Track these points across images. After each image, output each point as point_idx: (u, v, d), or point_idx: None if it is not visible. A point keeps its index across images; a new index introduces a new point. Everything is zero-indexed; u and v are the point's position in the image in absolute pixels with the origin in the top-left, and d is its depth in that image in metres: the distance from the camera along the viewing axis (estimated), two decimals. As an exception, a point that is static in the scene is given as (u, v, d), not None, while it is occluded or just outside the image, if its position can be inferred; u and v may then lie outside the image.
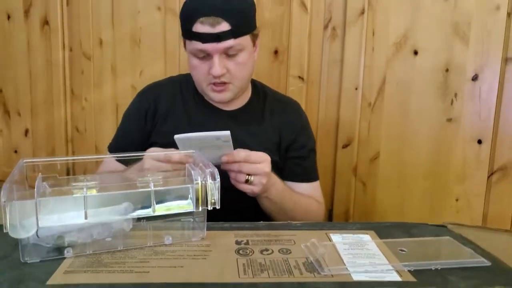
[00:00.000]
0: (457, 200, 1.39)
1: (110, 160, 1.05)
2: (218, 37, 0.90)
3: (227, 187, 0.81)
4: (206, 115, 1.06)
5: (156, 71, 1.85)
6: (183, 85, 1.10)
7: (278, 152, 1.07)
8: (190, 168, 0.64)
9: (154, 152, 0.78)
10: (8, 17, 2.21)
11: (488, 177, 1.34)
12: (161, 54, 1.86)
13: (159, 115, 1.06)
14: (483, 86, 1.31)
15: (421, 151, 1.42)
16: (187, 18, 0.94)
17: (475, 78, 1.32)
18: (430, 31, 1.36)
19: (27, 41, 2.18)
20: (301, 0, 1.55)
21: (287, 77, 1.62)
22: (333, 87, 1.55)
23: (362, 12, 1.45)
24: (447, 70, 1.35)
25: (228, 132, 0.78)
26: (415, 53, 1.39)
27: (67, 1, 2.04)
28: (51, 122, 2.20)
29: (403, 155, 1.45)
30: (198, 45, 0.92)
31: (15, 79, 2.26)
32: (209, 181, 0.60)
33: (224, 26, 0.90)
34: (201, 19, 0.90)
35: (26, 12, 2.15)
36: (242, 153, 0.84)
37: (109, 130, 2.02)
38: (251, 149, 0.87)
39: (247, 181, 0.85)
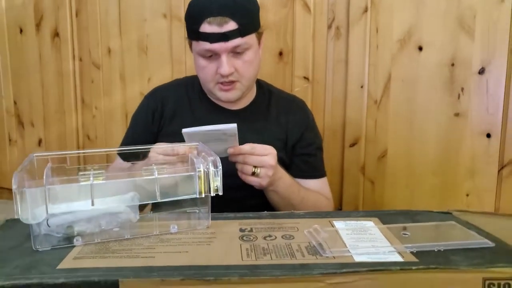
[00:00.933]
0: (467, 195, 1.38)
1: (118, 163, 1.07)
2: (226, 36, 0.92)
3: (233, 183, 0.82)
4: (212, 115, 1.07)
5: (164, 77, 1.88)
6: (189, 86, 1.12)
7: (285, 150, 1.08)
8: (193, 158, 0.65)
9: (160, 147, 0.80)
10: (21, 31, 2.28)
11: (499, 171, 1.33)
12: (168, 60, 1.90)
13: (166, 116, 1.08)
14: (490, 80, 1.31)
15: (429, 147, 1.42)
16: (193, 19, 0.95)
17: (481, 71, 1.31)
18: (434, 26, 1.36)
19: (39, 53, 2.24)
20: (304, 1, 1.57)
21: (293, 78, 1.64)
22: (338, 86, 1.56)
23: (365, 10, 1.46)
24: (452, 65, 1.35)
25: (234, 125, 0.80)
26: (420, 49, 1.39)
27: (76, 12, 2.10)
28: (63, 131, 2.25)
29: (411, 152, 1.45)
30: (206, 45, 0.94)
31: (28, 90, 2.32)
32: (211, 168, 0.61)
33: (231, 25, 0.92)
34: (208, 19, 0.92)
35: (38, 26, 2.22)
36: (247, 145, 0.86)
37: (119, 137, 2.04)
38: (252, 135, 0.89)
39: (253, 174, 0.86)
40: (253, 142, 0.91)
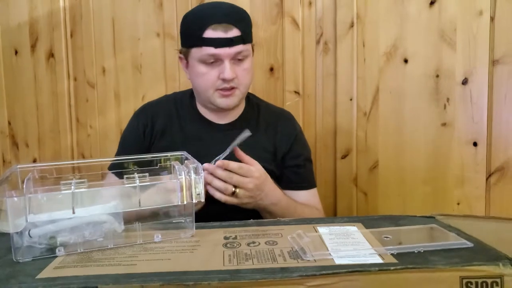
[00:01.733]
0: (458, 204, 1.38)
1: (109, 177, 1.08)
2: (231, 41, 0.95)
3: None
4: (201, 130, 1.08)
5: (158, 94, 1.88)
6: (178, 102, 1.13)
7: (275, 162, 1.09)
8: (175, 165, 0.66)
9: None
10: (16, 52, 2.31)
11: (487, 179, 1.34)
12: (161, 77, 1.92)
13: (156, 132, 1.09)
14: (473, 89, 1.33)
15: (419, 157, 1.43)
16: (196, 26, 0.97)
17: (465, 82, 1.34)
18: (418, 39, 1.39)
19: (34, 74, 2.27)
20: (293, 18, 1.60)
21: (284, 92, 1.66)
22: (328, 100, 1.58)
23: (352, 26, 1.49)
24: (437, 76, 1.38)
25: (248, 133, 0.86)
26: (405, 61, 1.42)
27: (71, 33, 2.13)
28: (58, 150, 2.26)
29: (402, 161, 1.46)
30: (210, 50, 0.96)
31: (23, 111, 2.33)
32: (193, 175, 0.62)
33: (235, 32, 0.96)
34: (212, 25, 0.95)
35: (33, 47, 2.25)
36: (235, 164, 0.87)
37: (113, 155, 2.06)
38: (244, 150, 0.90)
39: (233, 194, 0.87)
40: (244, 149, 0.92)
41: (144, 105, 1.17)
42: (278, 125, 1.12)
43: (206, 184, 0.86)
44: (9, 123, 2.39)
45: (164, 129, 1.09)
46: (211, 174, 0.86)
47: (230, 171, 0.86)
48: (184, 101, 1.12)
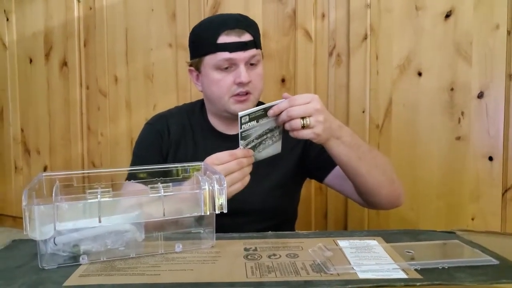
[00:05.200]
0: (473, 219, 1.37)
1: (130, 184, 1.06)
2: (245, 45, 0.96)
3: (241, 209, 0.81)
4: (212, 141, 1.08)
5: (169, 104, 1.90)
6: (189, 113, 1.13)
7: (294, 162, 1.08)
8: (198, 176, 0.66)
9: (213, 156, 0.80)
10: (30, 61, 2.34)
11: (503, 194, 1.33)
12: (173, 88, 1.94)
13: (171, 142, 1.09)
14: (489, 103, 1.33)
15: (433, 171, 1.42)
16: (209, 33, 0.99)
17: (480, 95, 1.34)
18: (432, 52, 1.39)
19: (47, 82, 2.30)
20: (305, 29, 1.62)
21: (296, 104, 1.66)
22: (340, 111, 1.58)
23: (365, 38, 1.50)
24: (452, 89, 1.37)
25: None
26: (419, 74, 1.42)
27: (85, 42, 2.16)
28: (69, 158, 2.27)
29: (415, 175, 1.45)
30: (225, 55, 0.96)
31: (35, 119, 2.36)
32: (216, 186, 0.63)
33: (248, 36, 0.98)
34: (226, 31, 0.96)
35: (47, 56, 2.29)
36: (285, 101, 0.82)
37: (124, 163, 2.07)
38: (266, 164, 0.89)
39: (303, 127, 0.81)
40: (266, 162, 0.89)
41: (158, 115, 1.16)
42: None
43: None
44: (22, 130, 2.42)
45: (179, 139, 1.09)
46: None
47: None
48: (195, 112, 1.13)
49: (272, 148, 0.88)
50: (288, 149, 1.06)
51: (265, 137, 0.85)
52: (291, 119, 0.81)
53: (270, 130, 0.85)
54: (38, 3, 2.28)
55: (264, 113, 0.82)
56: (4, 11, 2.36)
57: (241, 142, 0.81)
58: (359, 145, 0.91)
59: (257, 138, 0.84)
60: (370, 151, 0.94)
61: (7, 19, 2.36)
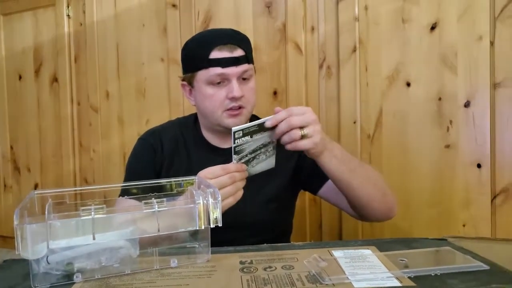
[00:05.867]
0: (464, 225, 1.39)
1: (124, 200, 1.06)
2: (237, 60, 0.97)
3: (234, 223, 0.81)
4: (206, 156, 1.08)
5: (162, 119, 1.90)
6: (183, 127, 1.13)
7: (289, 175, 1.09)
8: (192, 190, 0.67)
9: (206, 170, 0.80)
10: (20, 77, 2.33)
11: (492, 200, 1.35)
12: (165, 102, 1.94)
13: (164, 157, 1.09)
14: (476, 112, 1.35)
15: (423, 179, 1.44)
16: (202, 48, 1.00)
17: (467, 104, 1.36)
18: (419, 63, 1.42)
19: (37, 99, 2.29)
20: (296, 43, 1.64)
21: (287, 116, 1.68)
22: (332, 123, 1.60)
23: (354, 50, 1.53)
24: (440, 99, 1.40)
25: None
26: (408, 84, 1.45)
27: (75, 58, 2.16)
28: (60, 175, 2.25)
29: (406, 184, 1.47)
30: (217, 70, 0.97)
31: (25, 135, 2.34)
32: (211, 200, 0.63)
33: (240, 52, 0.99)
34: (218, 47, 0.98)
35: (37, 72, 2.28)
36: (282, 111, 0.83)
37: (117, 179, 2.06)
38: (261, 177, 0.89)
39: (303, 137, 0.82)
40: (261, 176, 0.89)
41: (151, 130, 1.16)
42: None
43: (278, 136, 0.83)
44: (11, 147, 2.40)
45: (172, 154, 1.10)
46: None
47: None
48: (188, 127, 1.13)
49: (266, 163, 0.89)
50: (283, 162, 1.07)
51: (258, 152, 0.86)
52: (291, 129, 0.81)
53: (264, 145, 0.86)
54: (27, 19, 2.28)
55: (258, 128, 0.82)
56: (-8, 26, 2.36)
57: (234, 157, 0.82)
58: (350, 159, 0.93)
59: (250, 153, 0.84)
60: (361, 165, 0.96)
61: (-4, 35, 2.36)
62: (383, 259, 0.65)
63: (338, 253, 0.69)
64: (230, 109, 1.00)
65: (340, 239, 1.57)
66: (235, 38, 1.01)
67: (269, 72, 1.70)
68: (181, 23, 1.87)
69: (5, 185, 2.43)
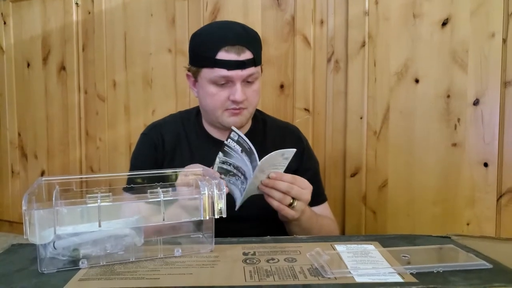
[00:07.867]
0: (468, 224, 1.38)
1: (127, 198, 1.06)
2: (243, 64, 0.96)
3: (234, 214, 0.82)
4: (208, 149, 1.08)
5: (168, 109, 1.92)
6: (184, 121, 1.13)
7: (292, 171, 1.09)
8: (198, 181, 0.67)
9: (192, 169, 0.80)
10: (28, 65, 2.35)
11: (497, 200, 1.34)
12: (172, 93, 1.95)
13: (166, 151, 1.10)
14: (484, 110, 1.34)
15: (429, 177, 1.43)
16: (208, 47, 0.98)
17: (476, 102, 1.35)
18: (429, 60, 1.41)
19: (45, 86, 2.30)
20: (304, 36, 1.63)
21: (294, 110, 1.68)
22: (338, 118, 1.60)
23: (363, 45, 1.52)
24: (448, 96, 1.39)
25: (294, 150, 0.82)
26: (416, 81, 1.44)
27: (83, 47, 2.17)
28: (67, 163, 2.27)
29: (411, 181, 1.46)
30: (222, 72, 0.96)
31: (33, 123, 2.36)
32: (215, 191, 0.63)
33: (248, 55, 0.96)
34: (225, 47, 0.95)
35: (45, 60, 2.29)
36: (289, 175, 0.85)
37: (122, 168, 2.08)
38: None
39: (290, 205, 0.86)
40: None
41: (152, 124, 1.16)
42: (285, 141, 1.12)
43: (266, 196, 0.85)
44: (19, 134, 2.42)
45: (174, 148, 1.10)
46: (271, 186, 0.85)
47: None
48: (190, 120, 1.13)
49: (237, 191, 0.86)
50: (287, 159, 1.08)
51: (238, 173, 0.84)
52: (288, 193, 0.85)
53: (242, 174, 0.84)
54: (35, 7, 2.28)
55: (249, 150, 0.81)
56: (1, 14, 2.36)
57: (220, 154, 0.82)
58: (312, 225, 0.96)
59: (234, 166, 0.84)
60: (320, 228, 0.99)
61: (4, 23, 2.36)
62: (386, 254, 0.65)
63: (340, 247, 0.69)
64: (231, 109, 1.01)
65: (343, 234, 1.57)
66: (244, 38, 0.98)
67: (277, 65, 1.70)
68: (189, 14, 1.87)
69: (12, 171, 2.45)
